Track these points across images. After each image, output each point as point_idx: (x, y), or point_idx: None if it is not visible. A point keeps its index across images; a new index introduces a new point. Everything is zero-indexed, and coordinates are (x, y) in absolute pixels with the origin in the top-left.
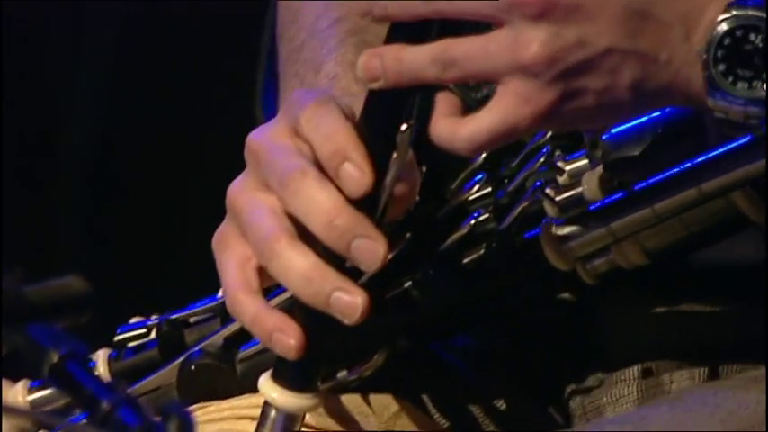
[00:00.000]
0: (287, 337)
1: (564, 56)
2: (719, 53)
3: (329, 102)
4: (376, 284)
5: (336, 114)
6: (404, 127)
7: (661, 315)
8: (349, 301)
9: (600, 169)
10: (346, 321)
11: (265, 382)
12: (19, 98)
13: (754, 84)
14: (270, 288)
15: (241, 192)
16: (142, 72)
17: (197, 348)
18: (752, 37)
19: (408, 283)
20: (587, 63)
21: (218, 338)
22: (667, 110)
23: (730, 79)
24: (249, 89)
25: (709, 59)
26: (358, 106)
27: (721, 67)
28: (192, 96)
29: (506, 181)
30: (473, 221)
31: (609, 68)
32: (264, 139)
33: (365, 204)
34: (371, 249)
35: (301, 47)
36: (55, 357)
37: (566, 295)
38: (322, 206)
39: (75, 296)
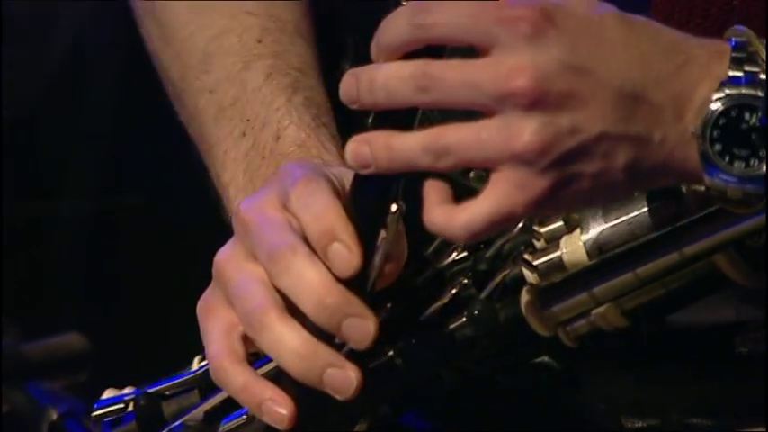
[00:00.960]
0: (278, 407)
1: (557, 143)
2: (715, 133)
3: (318, 178)
4: (359, 354)
5: (326, 192)
6: (394, 208)
7: (640, 382)
8: (343, 378)
9: (578, 232)
10: (339, 397)
11: None
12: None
13: (752, 162)
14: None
15: (229, 260)
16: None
17: (178, 423)
18: (746, 116)
19: (391, 352)
20: (581, 149)
21: (198, 412)
22: None
23: (727, 159)
24: None
25: (705, 139)
26: (343, 176)
27: (717, 147)
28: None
29: (482, 246)
30: (454, 290)
31: (602, 153)
32: (254, 211)
33: (354, 283)
34: (362, 328)
35: (235, 103)
36: (54, 415)
37: (546, 360)
38: (312, 285)
39: (75, 354)
